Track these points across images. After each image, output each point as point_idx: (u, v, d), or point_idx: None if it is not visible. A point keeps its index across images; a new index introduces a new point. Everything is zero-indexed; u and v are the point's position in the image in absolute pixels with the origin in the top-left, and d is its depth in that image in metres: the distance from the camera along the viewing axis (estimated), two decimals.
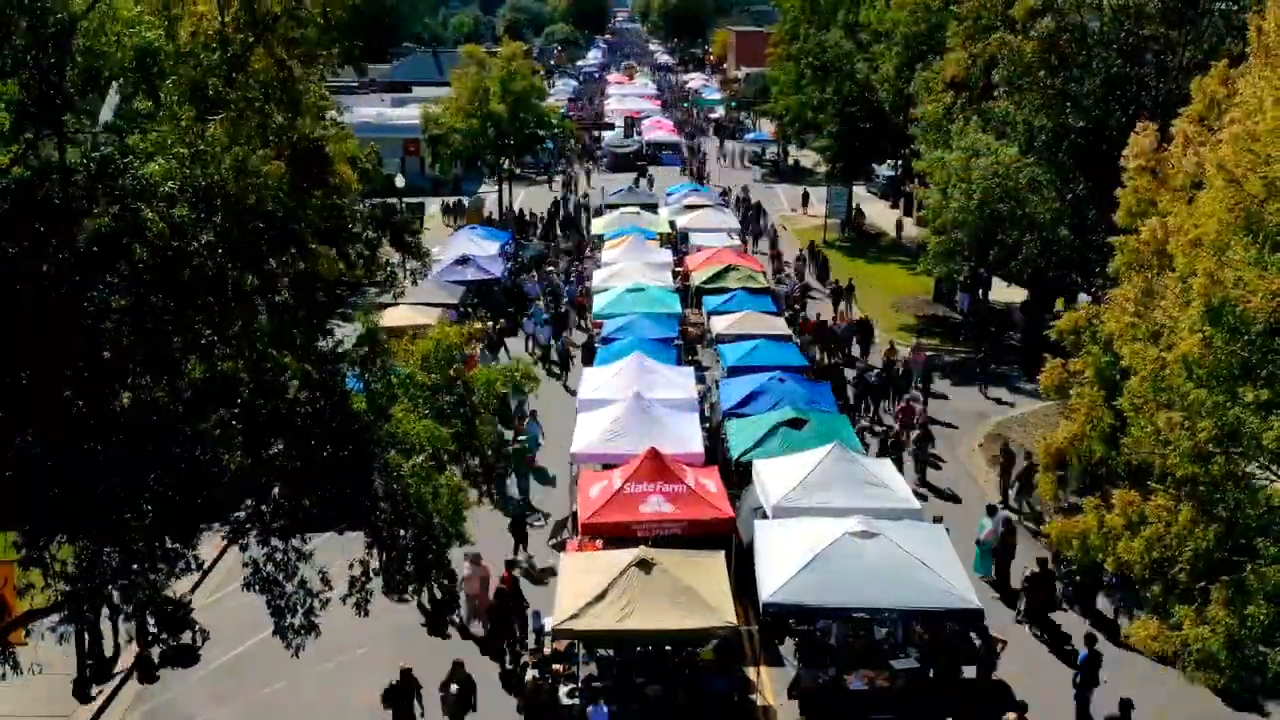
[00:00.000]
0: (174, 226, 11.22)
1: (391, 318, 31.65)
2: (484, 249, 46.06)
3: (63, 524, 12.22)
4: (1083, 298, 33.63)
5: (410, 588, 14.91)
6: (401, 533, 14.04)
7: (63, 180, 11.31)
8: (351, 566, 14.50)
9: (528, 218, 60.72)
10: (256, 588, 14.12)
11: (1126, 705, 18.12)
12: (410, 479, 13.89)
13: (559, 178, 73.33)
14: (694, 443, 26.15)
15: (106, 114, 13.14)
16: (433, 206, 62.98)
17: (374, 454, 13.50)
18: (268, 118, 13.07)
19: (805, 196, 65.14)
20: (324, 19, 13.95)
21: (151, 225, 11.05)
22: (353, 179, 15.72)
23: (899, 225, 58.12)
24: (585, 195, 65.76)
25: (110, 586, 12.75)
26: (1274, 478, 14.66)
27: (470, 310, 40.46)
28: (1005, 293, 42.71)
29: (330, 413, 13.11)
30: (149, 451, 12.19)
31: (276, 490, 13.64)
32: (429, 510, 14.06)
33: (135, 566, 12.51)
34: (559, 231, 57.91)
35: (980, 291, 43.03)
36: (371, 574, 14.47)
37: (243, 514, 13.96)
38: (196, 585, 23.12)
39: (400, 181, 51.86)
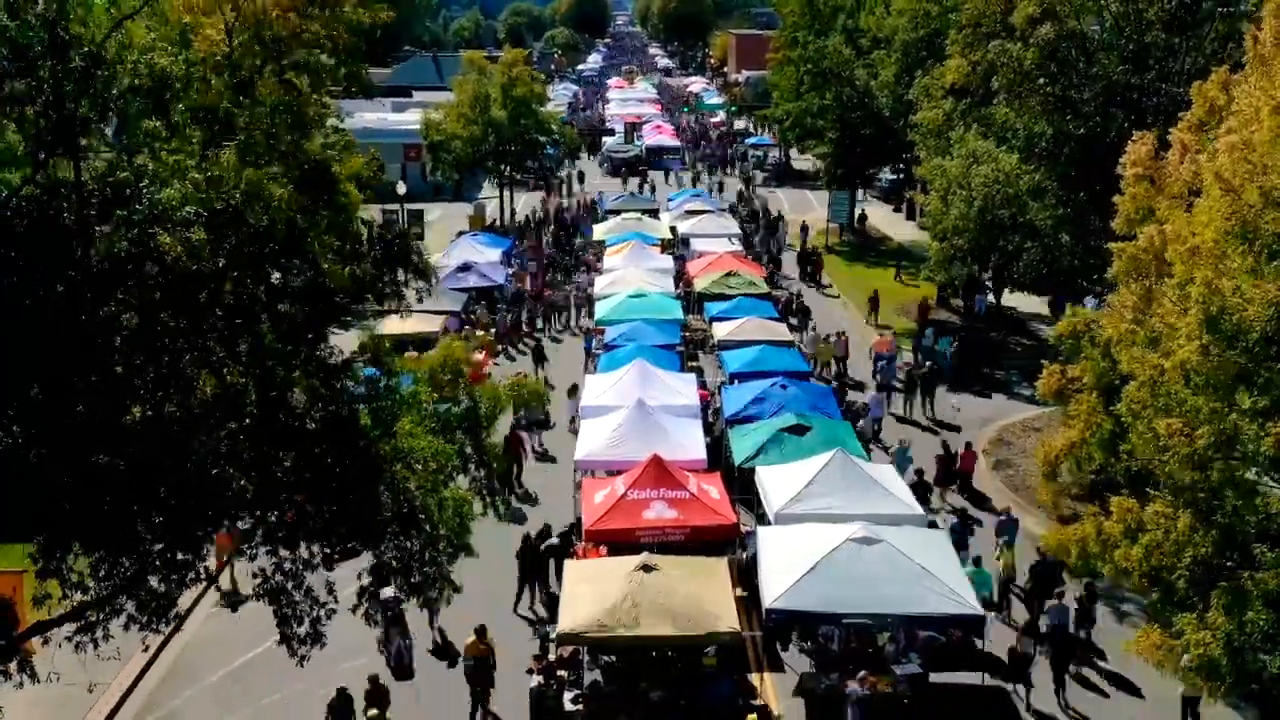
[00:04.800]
0: (191, 250, 11.40)
1: (392, 324, 31.69)
2: (486, 255, 46.15)
3: (77, 535, 12.36)
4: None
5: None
6: (408, 544, 14.18)
7: (78, 201, 11.47)
8: (360, 577, 14.62)
9: (531, 223, 60.77)
10: (265, 598, 14.26)
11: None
12: (416, 492, 14.03)
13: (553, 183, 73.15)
14: (696, 449, 26.27)
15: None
16: (433, 213, 63.05)
17: (380, 467, 13.64)
18: (275, 138, 13.22)
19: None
20: (330, 42, 14.11)
21: (170, 250, 11.21)
22: (357, 197, 15.85)
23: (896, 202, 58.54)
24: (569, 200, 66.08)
25: (124, 596, 12.90)
26: (1272, 484, 14.77)
27: (472, 318, 40.53)
28: (1020, 299, 42.53)
29: (337, 426, 13.24)
30: (158, 464, 12.34)
31: (283, 499, 13.76)
32: (435, 522, 14.20)
33: (150, 576, 12.65)
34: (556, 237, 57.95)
35: (990, 295, 43.03)
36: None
37: (249, 525, 14.10)
38: (200, 595, 23.25)
39: (402, 188, 51.92)
